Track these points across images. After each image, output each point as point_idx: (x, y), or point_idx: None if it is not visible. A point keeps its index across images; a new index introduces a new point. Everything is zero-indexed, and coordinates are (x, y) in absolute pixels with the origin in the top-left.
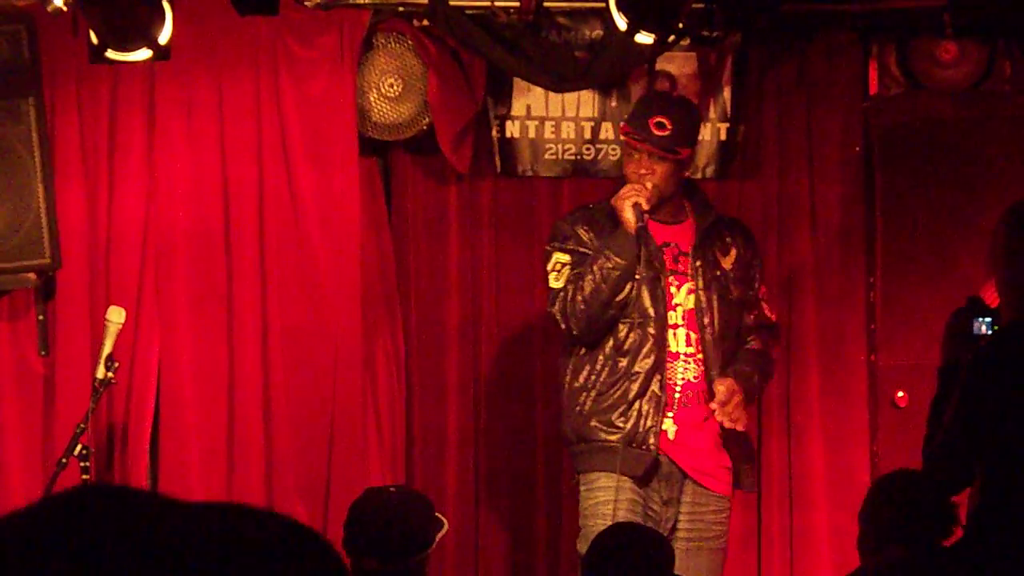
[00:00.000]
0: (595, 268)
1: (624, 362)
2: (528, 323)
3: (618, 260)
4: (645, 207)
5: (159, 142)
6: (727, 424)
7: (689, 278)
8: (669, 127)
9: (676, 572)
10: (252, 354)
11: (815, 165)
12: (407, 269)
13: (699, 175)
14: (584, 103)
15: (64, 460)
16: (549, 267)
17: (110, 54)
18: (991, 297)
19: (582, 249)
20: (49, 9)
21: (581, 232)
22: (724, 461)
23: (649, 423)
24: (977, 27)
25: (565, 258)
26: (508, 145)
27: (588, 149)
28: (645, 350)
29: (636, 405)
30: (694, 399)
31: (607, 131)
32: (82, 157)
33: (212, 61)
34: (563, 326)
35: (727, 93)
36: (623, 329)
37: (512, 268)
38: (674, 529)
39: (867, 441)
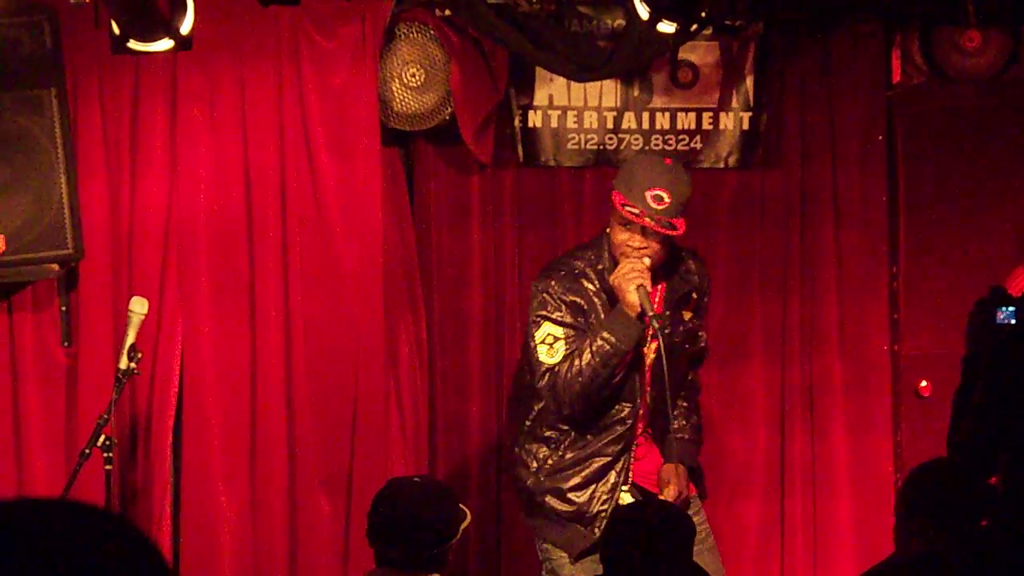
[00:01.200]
0: (594, 350)
1: (593, 437)
2: None
3: (619, 346)
4: (648, 288)
5: (181, 132)
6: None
7: (655, 339)
8: (668, 200)
9: None
10: (274, 344)
11: (838, 154)
12: (429, 259)
13: (721, 164)
14: (606, 92)
15: (87, 451)
16: (539, 338)
17: (132, 44)
18: (1015, 286)
19: (573, 322)
20: (72, 0)
21: (571, 302)
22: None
23: (603, 506)
24: (1001, 15)
25: (558, 331)
26: (530, 135)
27: (610, 139)
28: (618, 429)
29: (592, 485)
30: (644, 440)
31: (629, 120)
32: (104, 148)
33: (234, 52)
34: (553, 405)
35: (750, 82)
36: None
37: (534, 258)
38: None
39: (890, 431)
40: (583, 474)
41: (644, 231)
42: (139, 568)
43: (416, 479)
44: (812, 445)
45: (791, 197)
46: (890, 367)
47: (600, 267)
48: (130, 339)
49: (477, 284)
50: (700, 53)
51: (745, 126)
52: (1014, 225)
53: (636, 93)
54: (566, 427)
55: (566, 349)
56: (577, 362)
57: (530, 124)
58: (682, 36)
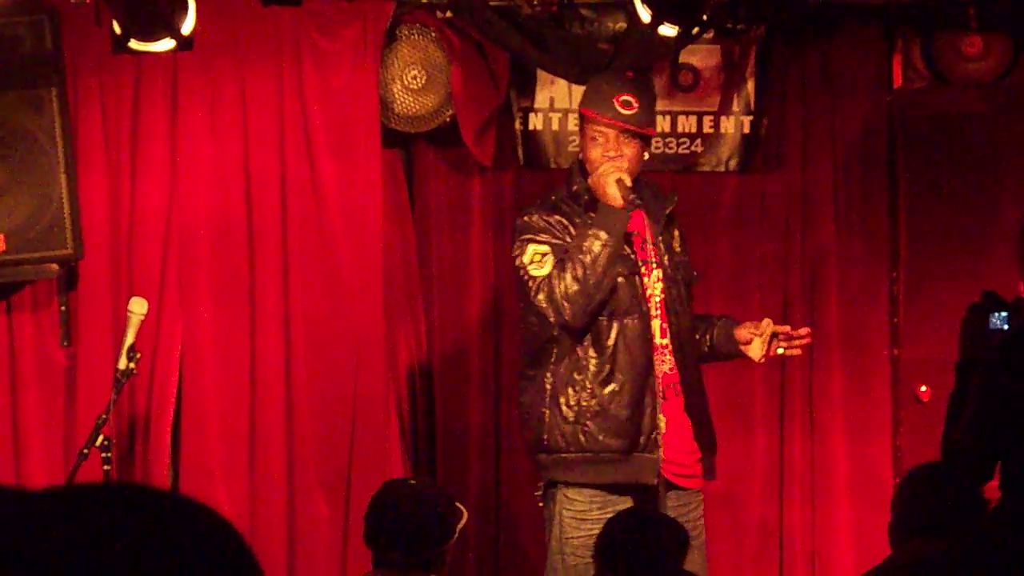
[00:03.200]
0: (584, 248)
1: (610, 359)
2: None
3: (607, 236)
4: (628, 183)
5: (182, 133)
6: (791, 352)
7: (655, 267)
8: (636, 105)
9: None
10: (274, 345)
11: (839, 158)
12: (430, 261)
13: (722, 168)
14: None
15: (86, 451)
16: (526, 260)
17: (133, 44)
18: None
19: (558, 238)
20: (73, 0)
21: (554, 221)
22: (696, 453)
23: (655, 423)
24: (1002, 20)
25: (543, 248)
26: (531, 137)
27: None
28: (635, 344)
29: (639, 404)
30: (672, 392)
31: None
32: (105, 148)
33: (235, 52)
34: (552, 315)
35: (751, 86)
36: (603, 322)
37: None
38: None
39: (890, 435)
40: (625, 398)
41: (617, 139)
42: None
43: (412, 480)
44: (811, 449)
45: (792, 201)
46: (890, 372)
47: (575, 188)
48: (129, 339)
49: (477, 286)
50: (701, 56)
51: (746, 130)
52: (1016, 230)
53: None
54: (583, 364)
55: (555, 260)
56: (570, 264)
57: (531, 126)
58: (683, 39)
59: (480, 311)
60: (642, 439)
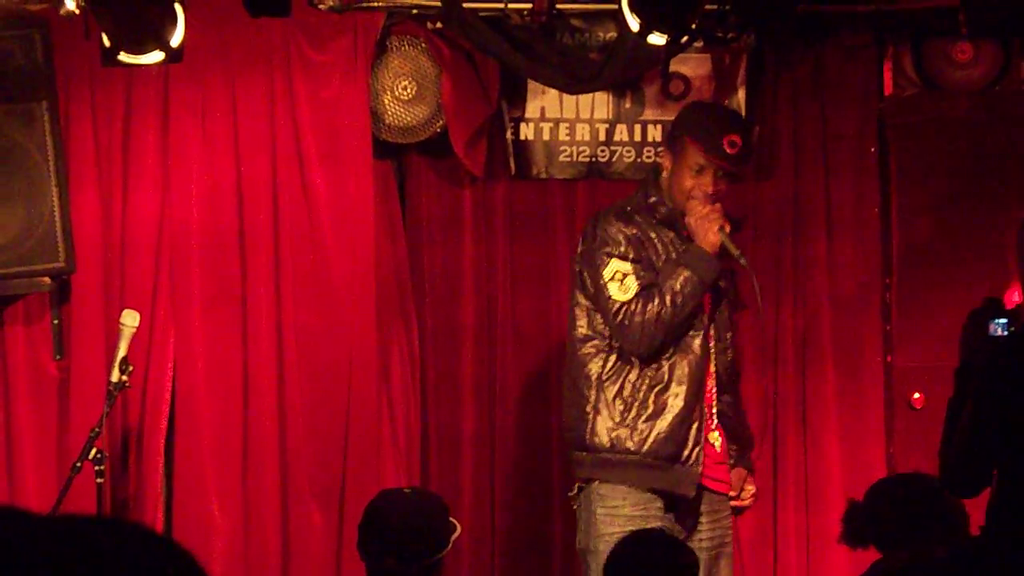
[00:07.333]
0: (676, 288)
1: (668, 369)
2: (543, 324)
3: (697, 280)
4: (727, 230)
5: (173, 145)
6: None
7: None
8: (739, 143)
9: None
10: (267, 357)
11: (830, 166)
12: (422, 271)
13: None
14: (598, 105)
15: (79, 464)
16: (607, 276)
17: (123, 57)
18: (1010, 299)
19: (637, 256)
20: (62, 12)
21: (631, 235)
22: (726, 456)
23: (700, 437)
24: (992, 27)
25: (626, 267)
26: (522, 147)
27: (603, 151)
28: (693, 358)
29: (689, 416)
30: (709, 394)
31: (621, 133)
32: (96, 161)
33: (226, 64)
34: (626, 341)
35: (741, 94)
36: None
37: (527, 270)
38: (688, 540)
39: (883, 442)
40: (676, 413)
41: (715, 174)
42: None
43: (406, 490)
44: (805, 456)
45: (784, 209)
46: (883, 379)
47: (651, 199)
48: (122, 352)
49: (469, 296)
50: (692, 65)
51: None
52: (1007, 236)
53: (628, 105)
54: (638, 373)
55: (637, 284)
56: (656, 300)
57: (522, 136)
58: (673, 48)
59: (472, 320)
60: (686, 451)
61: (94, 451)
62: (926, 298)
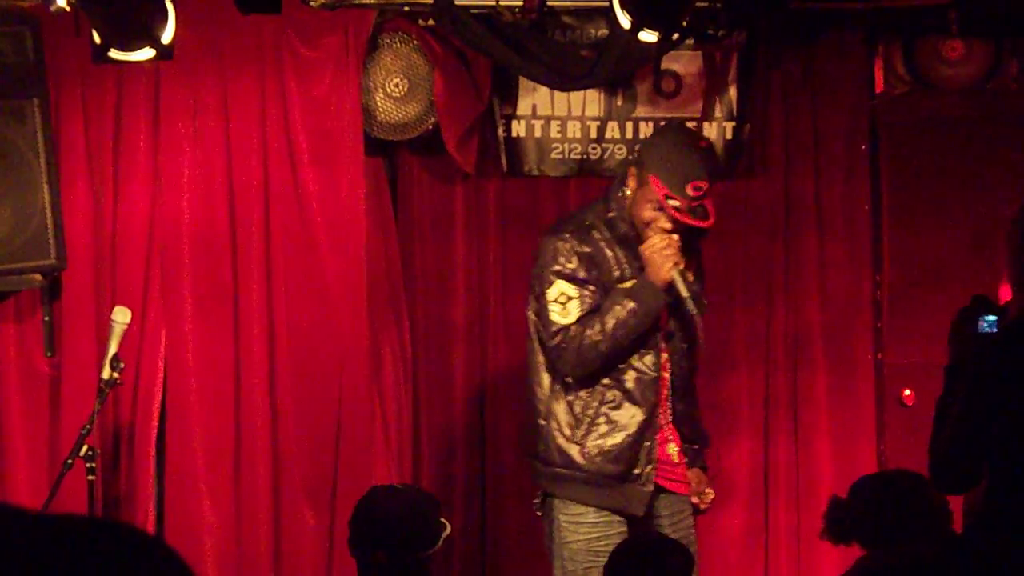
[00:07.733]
0: (618, 319)
1: (621, 387)
2: None
3: (642, 313)
4: (681, 266)
5: (164, 142)
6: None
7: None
8: (704, 188)
9: None
10: (258, 354)
11: (821, 164)
12: (413, 269)
13: None
14: (590, 102)
15: (70, 461)
16: (551, 296)
17: (113, 54)
18: (1005, 294)
19: (587, 276)
20: (52, 9)
21: (584, 253)
22: (683, 460)
23: (651, 456)
24: (983, 25)
25: (571, 290)
26: (514, 144)
27: (594, 148)
28: (647, 377)
29: (641, 435)
30: (664, 404)
31: (613, 130)
32: (87, 158)
33: (217, 62)
34: (559, 363)
35: (733, 92)
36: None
37: (518, 267)
38: None
39: (874, 440)
40: (627, 430)
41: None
42: None
43: (397, 487)
44: (796, 454)
45: (775, 206)
46: (873, 376)
47: (610, 215)
48: (113, 349)
49: (461, 293)
50: (683, 63)
51: (728, 136)
52: (997, 234)
53: (619, 103)
54: (597, 390)
55: (580, 309)
56: (596, 327)
57: (514, 134)
58: (664, 45)
59: (464, 318)
60: (637, 469)
61: (85, 448)
62: (917, 295)
